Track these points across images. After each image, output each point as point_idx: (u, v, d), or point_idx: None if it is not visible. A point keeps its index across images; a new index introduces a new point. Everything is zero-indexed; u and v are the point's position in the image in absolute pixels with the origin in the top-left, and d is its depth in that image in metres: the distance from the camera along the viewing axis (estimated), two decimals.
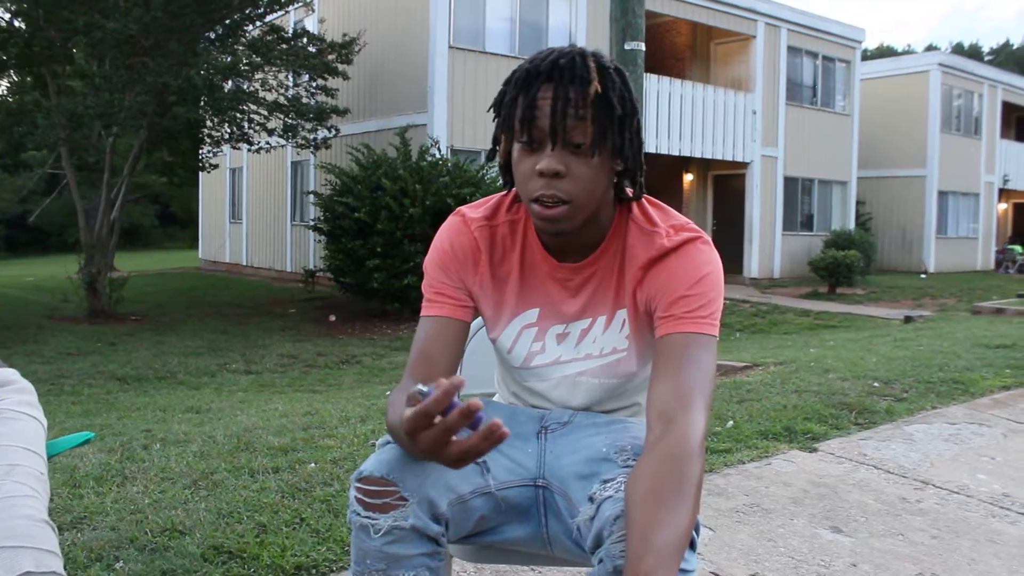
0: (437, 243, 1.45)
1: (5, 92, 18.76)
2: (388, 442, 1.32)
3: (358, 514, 1.24)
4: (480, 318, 1.49)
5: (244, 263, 21.05)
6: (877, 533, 2.68)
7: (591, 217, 1.34)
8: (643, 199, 1.41)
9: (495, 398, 1.64)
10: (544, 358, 1.45)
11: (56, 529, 1.08)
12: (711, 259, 1.35)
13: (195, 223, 25.56)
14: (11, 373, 1.26)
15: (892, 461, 3.44)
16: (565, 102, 1.23)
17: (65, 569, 2.07)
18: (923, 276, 22.23)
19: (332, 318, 12.78)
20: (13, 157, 34.83)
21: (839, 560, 2.46)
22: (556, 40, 15.80)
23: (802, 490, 3.06)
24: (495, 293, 1.44)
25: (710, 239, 1.40)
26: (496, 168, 12.34)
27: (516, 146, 1.30)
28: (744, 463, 3.36)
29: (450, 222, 1.46)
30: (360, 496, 1.24)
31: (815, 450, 3.58)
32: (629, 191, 1.39)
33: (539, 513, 1.38)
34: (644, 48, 5.43)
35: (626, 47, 5.35)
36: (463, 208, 1.47)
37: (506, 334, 1.46)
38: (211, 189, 23.15)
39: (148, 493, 2.75)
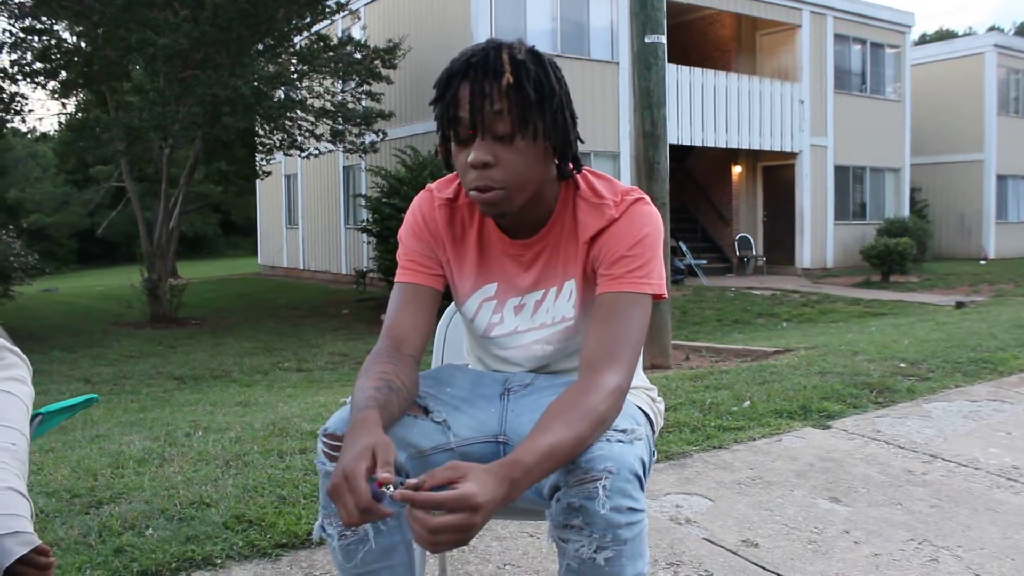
0: (410, 215, 1.59)
1: (74, 110, 19.55)
2: None
3: (323, 464, 1.38)
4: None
5: (301, 267, 21.56)
6: (876, 503, 2.73)
7: (534, 197, 1.45)
8: (585, 172, 1.52)
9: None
10: (503, 328, 1.59)
11: (28, 497, 1.16)
12: (651, 220, 1.47)
13: (255, 230, 26.20)
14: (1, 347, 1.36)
15: (905, 437, 3.47)
16: (482, 97, 1.33)
17: (100, 536, 2.28)
18: (982, 262, 21.67)
19: (383, 317, 13.06)
20: (83, 173, 36.19)
21: (832, 528, 2.52)
22: (598, 39, 15.86)
23: (808, 464, 3.12)
24: (457, 268, 1.58)
25: (650, 200, 1.51)
26: None
27: (452, 142, 1.42)
28: (755, 440, 3.43)
29: (421, 196, 1.61)
30: (325, 449, 1.38)
31: (828, 427, 3.63)
32: (569, 167, 1.48)
33: None
34: (665, 40, 5.54)
35: (646, 40, 5.47)
36: (432, 184, 1.61)
37: (468, 306, 1.60)
38: (268, 196, 23.75)
39: (183, 472, 2.96)
